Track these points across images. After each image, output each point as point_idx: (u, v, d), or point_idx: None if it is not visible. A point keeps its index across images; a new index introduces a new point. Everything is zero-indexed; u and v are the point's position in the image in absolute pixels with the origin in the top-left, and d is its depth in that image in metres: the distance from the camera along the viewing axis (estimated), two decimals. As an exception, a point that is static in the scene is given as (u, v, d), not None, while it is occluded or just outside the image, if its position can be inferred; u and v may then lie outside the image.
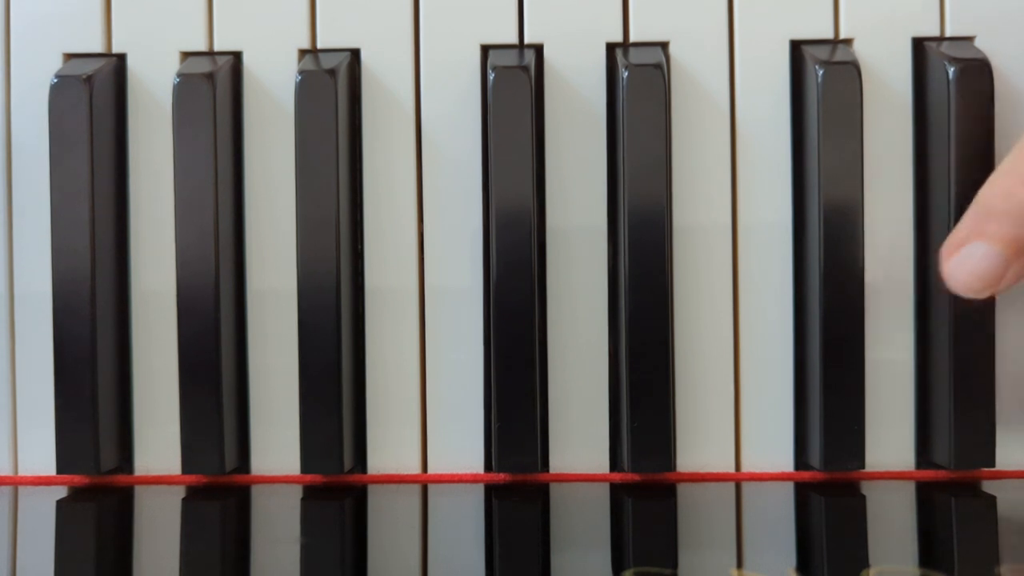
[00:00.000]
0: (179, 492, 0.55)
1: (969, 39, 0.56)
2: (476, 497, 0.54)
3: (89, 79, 0.54)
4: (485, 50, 0.56)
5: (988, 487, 0.54)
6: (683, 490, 0.54)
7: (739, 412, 0.56)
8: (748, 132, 0.56)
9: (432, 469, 0.56)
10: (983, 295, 0.52)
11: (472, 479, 0.56)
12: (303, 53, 0.56)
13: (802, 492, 0.54)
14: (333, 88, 0.54)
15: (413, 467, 0.56)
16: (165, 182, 0.55)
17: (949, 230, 0.53)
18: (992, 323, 0.54)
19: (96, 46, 0.56)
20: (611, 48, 0.56)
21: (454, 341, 0.56)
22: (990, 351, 0.54)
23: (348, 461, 0.55)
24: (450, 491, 0.55)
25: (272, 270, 0.56)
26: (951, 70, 0.53)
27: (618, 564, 0.47)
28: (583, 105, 0.56)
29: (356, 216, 0.56)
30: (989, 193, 0.52)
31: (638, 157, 0.53)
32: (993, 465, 0.54)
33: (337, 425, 0.54)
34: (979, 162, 0.54)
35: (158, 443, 0.56)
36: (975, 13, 0.55)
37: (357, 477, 0.56)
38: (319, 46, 0.56)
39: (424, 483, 0.56)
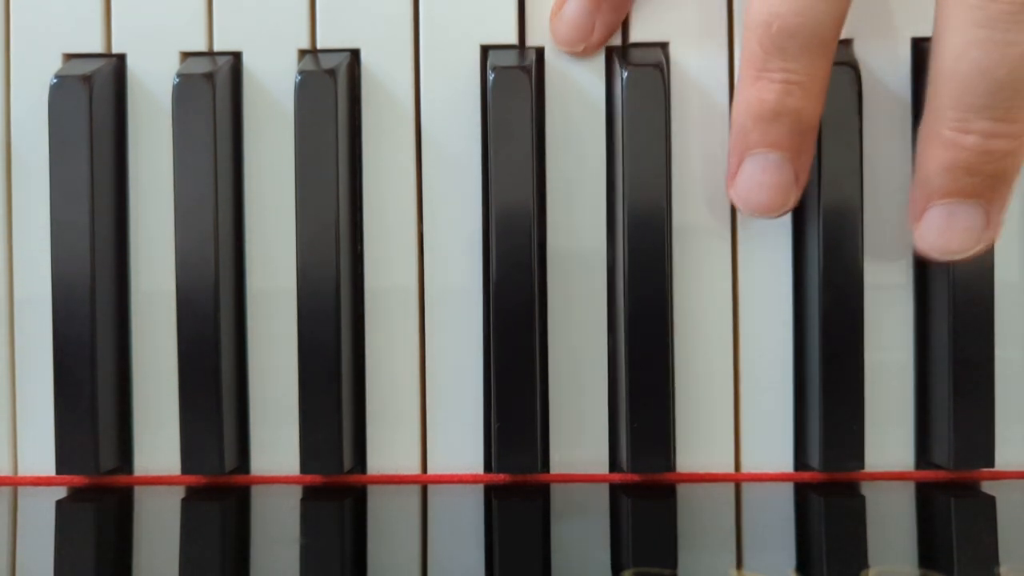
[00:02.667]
0: (179, 492, 0.55)
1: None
2: (476, 497, 0.54)
3: (89, 79, 0.54)
4: (485, 50, 0.56)
5: (988, 487, 0.54)
6: (683, 490, 0.54)
7: (739, 412, 0.56)
8: (748, 132, 0.56)
9: (432, 469, 0.56)
10: (573, 47, 0.55)
11: (472, 479, 0.56)
12: (303, 53, 0.56)
13: (802, 493, 0.54)
14: (333, 88, 0.54)
15: (413, 467, 0.56)
16: (165, 182, 0.55)
17: (949, 230, 0.54)
18: (992, 323, 0.54)
19: (96, 46, 0.56)
20: (610, 48, 0.56)
21: (454, 342, 0.56)
22: (990, 351, 0.54)
23: (348, 461, 0.55)
24: (450, 491, 0.55)
25: (272, 270, 0.56)
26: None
27: (617, 564, 0.47)
28: (583, 105, 0.56)
29: (356, 216, 0.56)
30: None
31: (638, 157, 0.53)
32: (993, 465, 0.54)
33: (337, 425, 0.54)
34: (979, 162, 0.54)
35: (158, 443, 0.56)
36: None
37: (357, 477, 0.56)
38: (319, 46, 0.56)
39: (424, 483, 0.56)
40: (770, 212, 0.52)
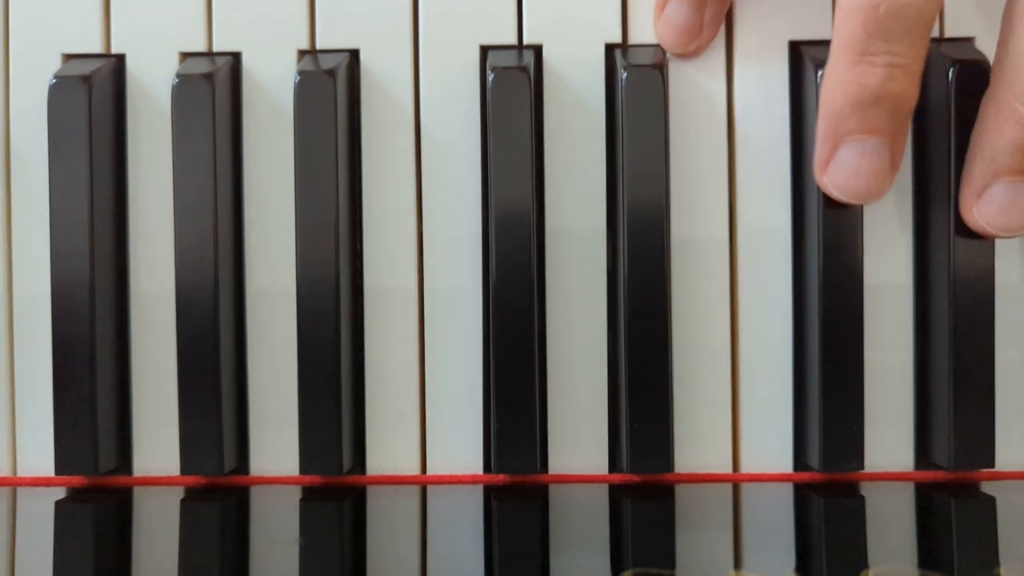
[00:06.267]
0: (178, 493, 0.55)
1: (969, 39, 0.55)
2: (475, 498, 0.54)
3: (88, 79, 0.54)
4: (484, 51, 0.56)
5: (987, 488, 0.54)
6: (682, 491, 0.54)
7: (738, 413, 0.56)
8: (747, 132, 0.56)
9: (431, 470, 0.56)
10: (684, 48, 0.54)
11: (471, 480, 0.56)
12: (302, 54, 0.56)
13: (801, 493, 0.54)
14: (332, 89, 0.54)
15: (412, 468, 0.56)
16: (164, 182, 0.55)
17: (949, 229, 0.53)
18: (992, 323, 0.54)
19: (95, 46, 0.56)
20: (610, 49, 0.56)
21: (453, 342, 0.56)
22: (990, 351, 0.54)
23: (347, 462, 0.55)
24: (449, 492, 0.55)
25: (271, 270, 0.56)
26: (951, 70, 0.53)
27: (617, 565, 0.47)
28: (582, 106, 0.56)
29: (355, 216, 0.56)
30: None
31: (637, 158, 0.53)
32: (992, 466, 0.54)
33: (336, 426, 0.54)
34: (979, 162, 0.54)
35: (157, 444, 0.56)
36: (974, 13, 0.55)
37: (356, 478, 0.56)
38: (318, 47, 0.56)
39: (423, 484, 0.56)
40: (868, 198, 0.52)
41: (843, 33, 0.50)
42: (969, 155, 0.52)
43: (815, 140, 0.52)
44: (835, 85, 0.50)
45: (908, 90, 0.50)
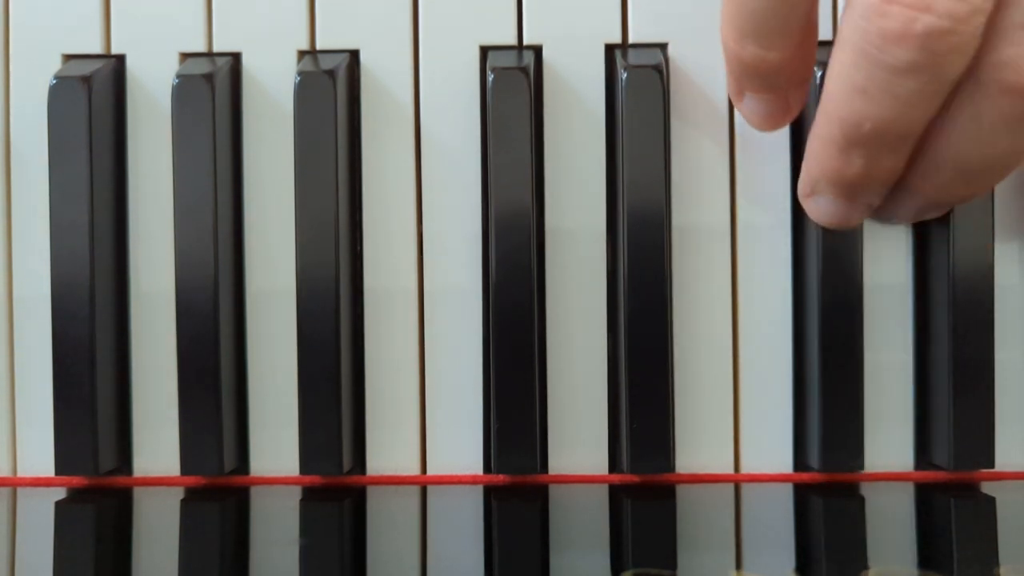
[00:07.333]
0: (178, 493, 0.55)
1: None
2: (475, 499, 0.54)
3: (88, 80, 0.54)
4: (484, 51, 0.56)
5: (987, 488, 0.54)
6: (682, 491, 0.54)
7: (738, 413, 0.56)
8: (747, 132, 0.55)
9: (431, 470, 0.56)
10: (775, 129, 0.54)
11: (471, 480, 0.56)
12: (302, 54, 0.56)
13: (801, 493, 0.54)
14: (332, 89, 0.54)
15: (412, 468, 0.56)
16: (164, 183, 0.55)
17: (948, 229, 0.53)
18: (992, 323, 0.54)
19: (95, 47, 0.56)
20: (610, 49, 0.56)
21: (453, 342, 0.56)
22: (990, 351, 0.54)
23: (347, 462, 0.55)
24: (449, 492, 0.55)
25: (271, 271, 0.56)
26: (951, 71, 0.53)
27: (617, 565, 0.47)
28: (582, 106, 0.56)
29: (355, 217, 0.56)
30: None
31: (637, 158, 0.53)
32: (992, 466, 0.54)
33: (336, 426, 0.54)
34: (979, 163, 0.53)
35: (157, 444, 0.56)
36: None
37: (356, 478, 0.56)
38: (318, 47, 0.56)
39: (423, 484, 0.56)
40: (848, 226, 0.52)
41: (824, 131, 0.49)
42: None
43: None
44: (816, 154, 0.50)
45: (896, 167, 0.49)
